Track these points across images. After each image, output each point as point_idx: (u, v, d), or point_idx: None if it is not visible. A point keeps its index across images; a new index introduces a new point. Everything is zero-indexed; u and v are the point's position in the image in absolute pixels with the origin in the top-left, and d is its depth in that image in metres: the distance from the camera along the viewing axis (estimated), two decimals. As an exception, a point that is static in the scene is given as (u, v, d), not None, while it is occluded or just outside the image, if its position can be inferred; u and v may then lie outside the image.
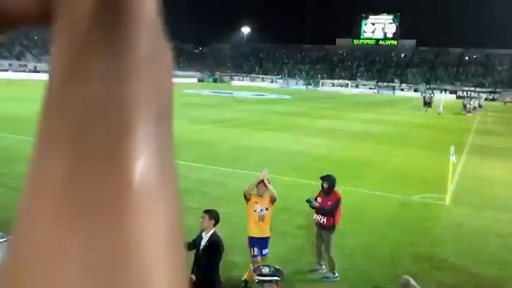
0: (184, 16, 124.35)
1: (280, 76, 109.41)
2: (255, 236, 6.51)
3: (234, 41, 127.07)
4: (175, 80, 0.26)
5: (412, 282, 4.77)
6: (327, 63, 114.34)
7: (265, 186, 6.55)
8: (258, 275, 3.21)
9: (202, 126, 23.02)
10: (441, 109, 43.22)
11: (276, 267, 3.09)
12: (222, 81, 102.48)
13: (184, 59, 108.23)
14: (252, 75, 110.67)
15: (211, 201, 9.93)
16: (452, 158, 11.30)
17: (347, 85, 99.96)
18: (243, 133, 22.57)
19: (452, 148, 11.39)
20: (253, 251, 6.46)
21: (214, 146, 18.02)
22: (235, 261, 7.10)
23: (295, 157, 16.89)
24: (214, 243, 5.39)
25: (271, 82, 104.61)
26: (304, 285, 6.69)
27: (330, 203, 6.77)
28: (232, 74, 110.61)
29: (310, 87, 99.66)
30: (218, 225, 5.61)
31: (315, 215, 6.94)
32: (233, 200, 10.52)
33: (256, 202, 6.56)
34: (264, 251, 6.54)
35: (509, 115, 50.38)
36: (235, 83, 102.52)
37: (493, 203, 11.89)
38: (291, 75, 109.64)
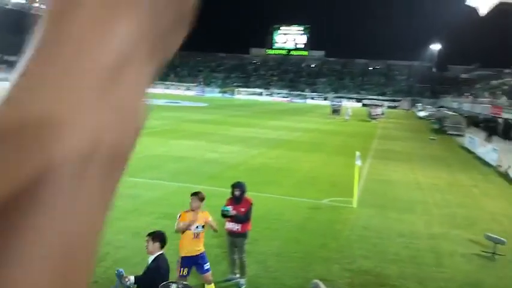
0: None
1: (195, 84, 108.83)
2: (188, 255, 6.12)
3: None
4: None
5: (321, 285, 4.92)
6: (242, 72, 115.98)
7: (212, 227, 6.26)
8: None
9: (114, 136, 22.06)
10: (349, 116, 45.76)
11: (185, 283, 2.93)
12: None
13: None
14: (166, 82, 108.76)
15: (122, 215, 9.55)
16: (358, 163, 11.94)
17: (261, 93, 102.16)
18: (157, 142, 22.03)
19: (357, 153, 12.03)
20: (183, 271, 6.04)
21: (126, 155, 17.35)
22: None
23: (210, 165, 16.81)
24: (154, 268, 4.90)
25: (187, 90, 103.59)
26: (218, 295, 6.62)
27: (243, 209, 6.75)
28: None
29: (226, 95, 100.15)
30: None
31: (228, 223, 6.87)
32: (146, 212, 10.19)
33: (191, 220, 6.12)
34: (206, 266, 6.19)
35: (409, 121, 54.58)
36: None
37: (395, 204, 12.73)
38: (207, 83, 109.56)
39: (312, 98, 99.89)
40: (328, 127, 38.66)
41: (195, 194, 6.26)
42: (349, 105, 50.57)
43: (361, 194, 13.50)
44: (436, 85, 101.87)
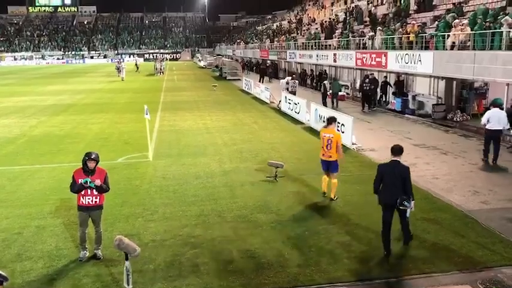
0: None
1: None
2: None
3: None
4: None
5: (125, 239, 4.95)
6: (2, 34, 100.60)
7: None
8: None
9: None
10: (123, 74, 43.39)
11: None
12: None
13: None
14: None
15: None
16: (147, 116, 11.97)
17: (32, 57, 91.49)
18: None
19: (145, 106, 12.02)
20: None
21: None
22: None
23: (-21, 145, 14.57)
24: None
25: None
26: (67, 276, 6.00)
27: (99, 180, 6.17)
28: None
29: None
30: None
31: (84, 197, 6.15)
32: None
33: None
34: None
35: (192, 72, 56.47)
36: None
37: (189, 150, 13.31)
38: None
39: (92, 57, 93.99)
40: (113, 86, 37.28)
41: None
42: (124, 64, 48.00)
43: (156, 146, 13.70)
44: (211, 34, 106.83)
